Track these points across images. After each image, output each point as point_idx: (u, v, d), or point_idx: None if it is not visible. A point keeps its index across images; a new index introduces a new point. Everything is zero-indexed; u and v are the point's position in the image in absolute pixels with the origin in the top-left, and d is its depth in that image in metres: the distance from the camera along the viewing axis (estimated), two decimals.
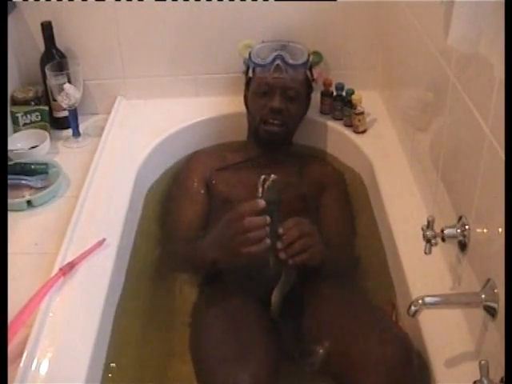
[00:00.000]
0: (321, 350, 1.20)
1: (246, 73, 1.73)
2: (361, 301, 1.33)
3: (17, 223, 1.45)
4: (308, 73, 1.69)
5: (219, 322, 1.24)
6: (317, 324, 1.26)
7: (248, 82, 1.72)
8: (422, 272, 1.27)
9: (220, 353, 1.15)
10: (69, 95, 1.71)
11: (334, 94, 1.85)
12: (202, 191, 1.60)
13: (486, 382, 0.87)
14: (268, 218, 1.14)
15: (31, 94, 1.81)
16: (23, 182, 1.56)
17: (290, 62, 1.63)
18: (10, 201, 1.47)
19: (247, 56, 1.72)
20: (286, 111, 1.61)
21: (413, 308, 1.00)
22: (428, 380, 1.10)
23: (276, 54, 1.63)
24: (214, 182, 1.61)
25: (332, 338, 1.21)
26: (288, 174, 1.62)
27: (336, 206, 1.60)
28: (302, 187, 1.60)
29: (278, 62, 1.62)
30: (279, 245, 1.18)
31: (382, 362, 1.08)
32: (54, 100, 1.79)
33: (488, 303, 0.98)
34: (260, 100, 1.63)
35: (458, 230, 1.11)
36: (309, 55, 1.69)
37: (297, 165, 1.68)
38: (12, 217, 1.45)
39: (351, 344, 1.16)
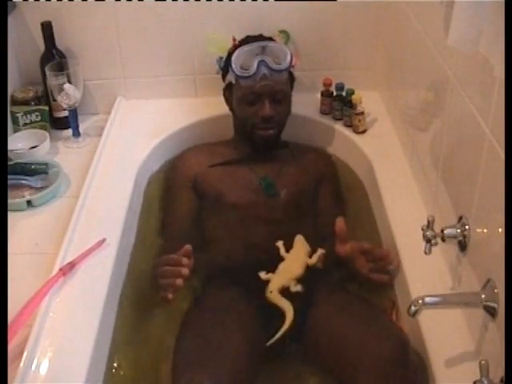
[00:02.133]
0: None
1: (223, 76, 1.68)
2: (357, 298, 1.33)
3: (17, 223, 1.45)
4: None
5: (196, 325, 1.25)
6: (314, 321, 1.26)
7: (229, 85, 1.66)
8: (422, 272, 1.27)
9: (187, 357, 1.16)
10: (69, 95, 1.71)
11: (334, 94, 1.85)
12: (190, 192, 1.60)
13: (485, 382, 0.87)
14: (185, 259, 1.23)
15: (31, 94, 1.81)
16: (23, 181, 1.57)
17: (276, 67, 1.55)
18: (10, 201, 1.47)
19: (214, 50, 1.70)
20: (277, 115, 1.58)
21: (413, 308, 1.01)
22: (427, 379, 1.10)
23: (258, 60, 1.54)
24: (204, 178, 1.60)
25: (329, 335, 1.22)
26: (283, 168, 1.61)
27: (334, 197, 1.62)
28: (300, 180, 1.60)
29: (263, 70, 1.54)
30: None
31: (379, 358, 1.09)
32: (54, 100, 1.79)
33: (488, 303, 0.98)
34: (249, 108, 1.59)
35: (458, 230, 1.11)
36: (291, 54, 1.61)
37: (290, 158, 1.67)
38: (12, 217, 1.44)
39: (348, 341, 1.16)
